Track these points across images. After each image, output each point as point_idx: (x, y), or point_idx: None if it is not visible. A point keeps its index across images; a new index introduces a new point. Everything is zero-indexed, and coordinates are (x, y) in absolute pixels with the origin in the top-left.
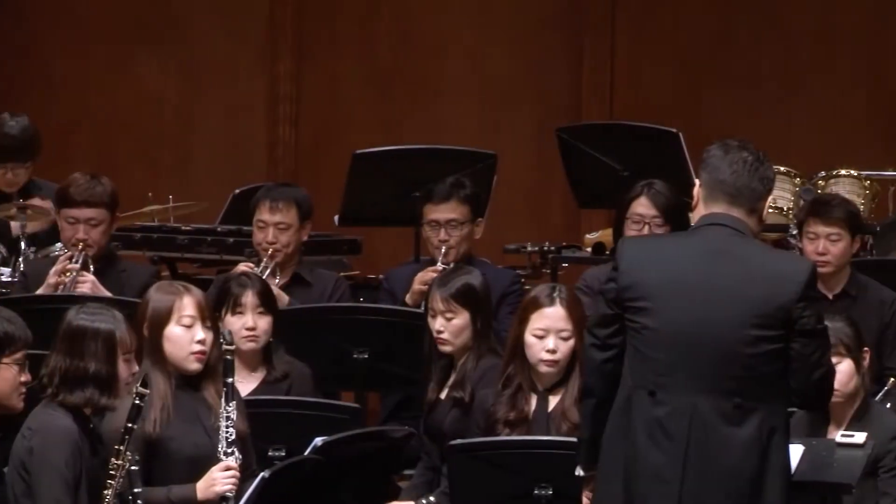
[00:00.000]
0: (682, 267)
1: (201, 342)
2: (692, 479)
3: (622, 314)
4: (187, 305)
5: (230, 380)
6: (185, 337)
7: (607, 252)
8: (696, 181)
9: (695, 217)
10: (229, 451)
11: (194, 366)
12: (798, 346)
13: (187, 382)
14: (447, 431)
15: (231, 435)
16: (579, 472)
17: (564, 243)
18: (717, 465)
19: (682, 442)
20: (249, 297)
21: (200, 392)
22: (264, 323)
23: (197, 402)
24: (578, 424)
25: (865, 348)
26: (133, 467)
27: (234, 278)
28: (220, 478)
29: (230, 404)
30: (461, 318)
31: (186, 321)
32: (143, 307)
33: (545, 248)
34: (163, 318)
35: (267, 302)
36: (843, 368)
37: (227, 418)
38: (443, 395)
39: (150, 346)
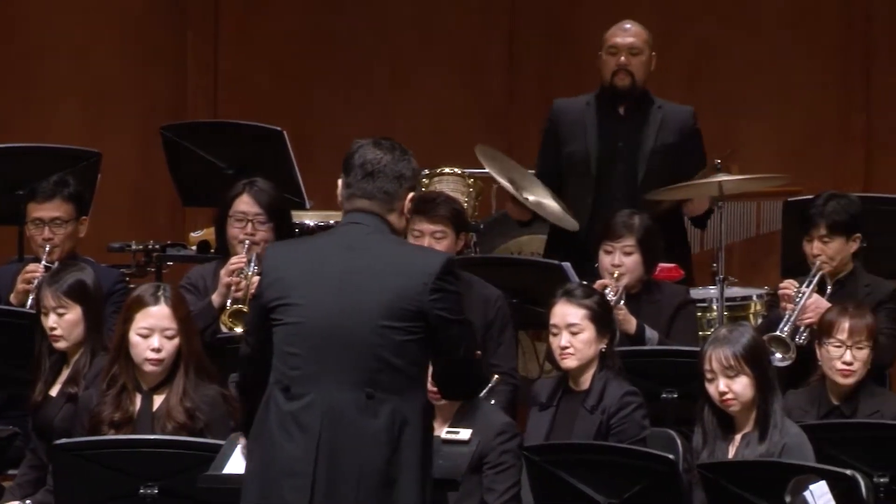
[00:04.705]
0: (319, 263)
1: None
2: (324, 472)
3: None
4: None
5: None
6: None
7: (212, 250)
8: (339, 180)
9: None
10: None
11: None
12: (437, 338)
13: None
14: (57, 428)
15: None
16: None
17: (169, 241)
18: (349, 457)
19: (315, 435)
20: None
21: None
22: None
23: None
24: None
25: (478, 351)
26: None
27: None
28: None
29: None
30: (73, 314)
31: None
32: None
33: (150, 247)
34: None
35: None
36: None
37: None
38: (53, 392)
39: None
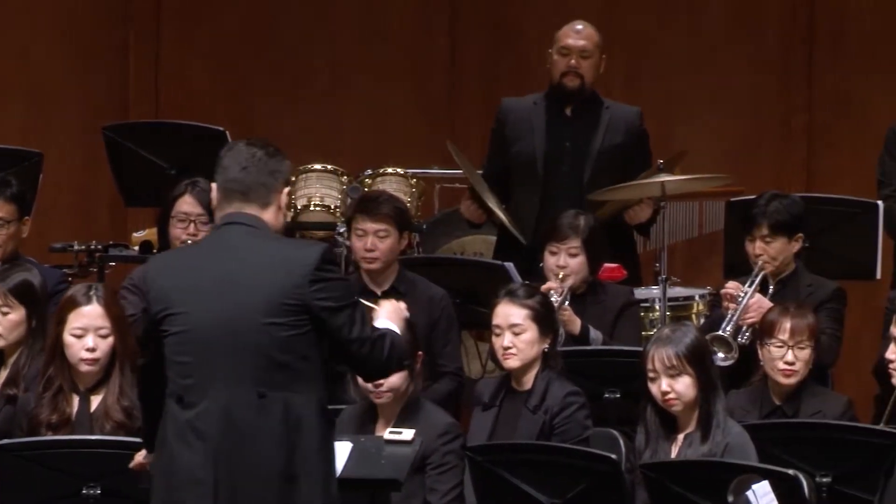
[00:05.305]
0: (199, 269)
1: None
2: (225, 476)
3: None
4: None
5: None
6: None
7: (155, 250)
8: (213, 184)
9: (217, 218)
10: None
11: None
12: (329, 327)
13: None
14: None
15: None
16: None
17: (111, 242)
18: (247, 458)
19: (213, 440)
20: None
21: None
22: None
23: None
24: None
25: (420, 353)
26: None
27: None
28: None
29: None
30: (17, 314)
31: None
32: None
33: (92, 247)
34: None
35: None
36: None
37: None
38: None
39: None
